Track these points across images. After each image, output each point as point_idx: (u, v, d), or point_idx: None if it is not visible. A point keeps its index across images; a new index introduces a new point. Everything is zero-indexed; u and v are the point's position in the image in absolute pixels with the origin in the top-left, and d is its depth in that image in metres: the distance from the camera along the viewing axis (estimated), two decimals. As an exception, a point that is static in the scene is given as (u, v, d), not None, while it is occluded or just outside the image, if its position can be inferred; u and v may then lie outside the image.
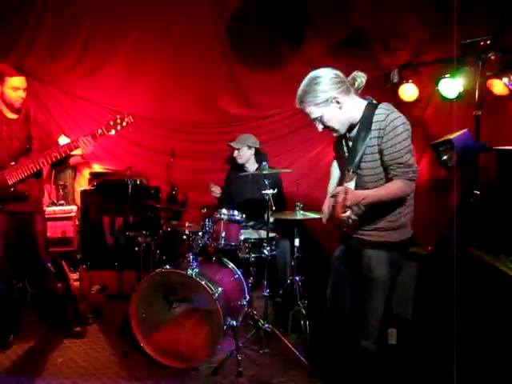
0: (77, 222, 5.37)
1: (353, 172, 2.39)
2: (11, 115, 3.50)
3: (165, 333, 3.36)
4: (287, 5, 4.97)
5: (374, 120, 2.36)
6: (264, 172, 3.72)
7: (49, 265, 3.71)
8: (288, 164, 5.19)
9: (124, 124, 3.49)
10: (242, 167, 4.49)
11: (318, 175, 5.17)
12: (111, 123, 3.47)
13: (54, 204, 5.41)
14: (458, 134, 3.69)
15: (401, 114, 2.36)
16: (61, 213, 5.30)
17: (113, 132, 3.48)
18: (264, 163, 3.80)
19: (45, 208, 5.07)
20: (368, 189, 2.38)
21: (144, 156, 5.63)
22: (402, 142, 2.30)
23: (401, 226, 2.46)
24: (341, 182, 2.56)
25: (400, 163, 2.31)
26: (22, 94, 3.46)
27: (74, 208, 5.42)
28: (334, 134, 2.53)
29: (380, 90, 4.36)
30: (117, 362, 3.43)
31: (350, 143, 2.48)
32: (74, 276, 5.04)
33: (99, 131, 3.46)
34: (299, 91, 2.42)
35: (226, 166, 4.78)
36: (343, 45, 4.75)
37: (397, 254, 2.48)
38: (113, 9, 5.13)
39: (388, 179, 2.39)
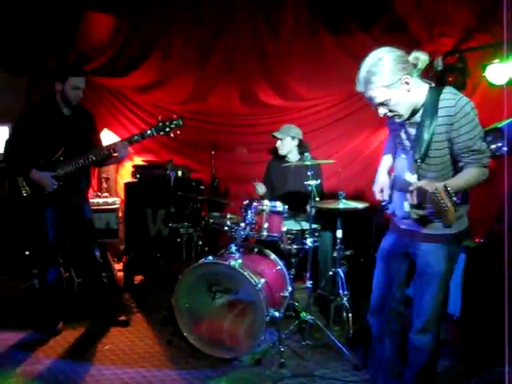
0: (120, 214, 5.48)
1: (418, 161, 2.25)
2: (67, 112, 3.63)
3: (208, 323, 3.39)
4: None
5: (440, 106, 2.20)
6: (306, 163, 3.69)
7: (97, 255, 3.81)
8: (329, 155, 5.12)
9: (173, 126, 3.57)
10: (283, 158, 4.45)
11: (360, 165, 5.09)
12: (160, 124, 3.57)
13: (97, 196, 5.53)
14: (507, 121, 3.57)
15: (469, 99, 2.21)
16: (105, 205, 5.41)
17: (162, 134, 3.57)
18: (306, 154, 3.77)
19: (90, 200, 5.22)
20: (435, 178, 2.21)
21: (185, 148, 5.66)
22: (475, 128, 2.18)
23: (460, 216, 2.31)
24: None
25: (474, 150, 2.19)
26: (80, 93, 3.58)
27: (117, 200, 5.52)
28: (397, 120, 2.32)
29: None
30: (161, 351, 3.49)
31: (412, 130, 2.33)
32: (118, 266, 5.15)
33: (148, 132, 3.57)
34: (362, 73, 2.20)
35: (267, 157, 4.76)
36: (385, 32, 4.64)
37: (454, 247, 2.37)
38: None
39: (458, 167, 2.26)
